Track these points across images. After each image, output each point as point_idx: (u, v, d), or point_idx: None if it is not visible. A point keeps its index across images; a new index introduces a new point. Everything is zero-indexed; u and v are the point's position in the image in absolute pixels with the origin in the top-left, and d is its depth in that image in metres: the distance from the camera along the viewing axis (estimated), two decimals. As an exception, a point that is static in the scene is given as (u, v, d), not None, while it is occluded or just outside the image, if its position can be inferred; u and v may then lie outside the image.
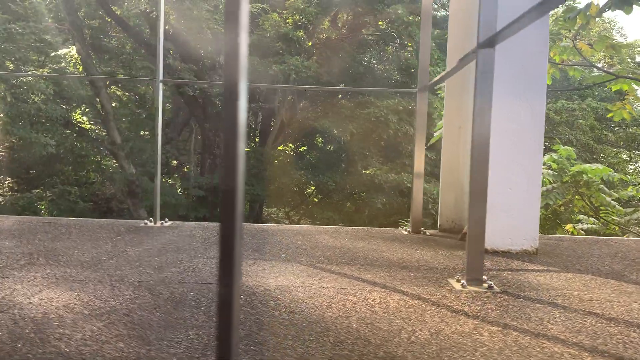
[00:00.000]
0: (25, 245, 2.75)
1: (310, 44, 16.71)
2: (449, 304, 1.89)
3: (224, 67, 0.94)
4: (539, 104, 2.88)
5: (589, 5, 5.22)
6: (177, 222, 3.81)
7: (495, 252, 2.90)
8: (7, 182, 19.41)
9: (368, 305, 1.83)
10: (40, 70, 12.94)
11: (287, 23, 16.55)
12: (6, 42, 11.31)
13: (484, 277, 2.18)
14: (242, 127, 0.93)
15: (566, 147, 8.30)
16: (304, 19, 17.13)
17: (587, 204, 7.80)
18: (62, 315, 1.63)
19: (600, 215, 8.53)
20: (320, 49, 17.53)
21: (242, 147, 0.94)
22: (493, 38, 2.04)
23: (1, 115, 12.35)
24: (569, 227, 8.91)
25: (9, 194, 18.88)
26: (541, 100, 2.89)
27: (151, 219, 3.71)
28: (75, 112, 15.96)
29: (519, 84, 2.85)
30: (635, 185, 13.12)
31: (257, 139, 22.90)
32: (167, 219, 3.78)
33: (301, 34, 16.14)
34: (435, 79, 3.26)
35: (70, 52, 14.30)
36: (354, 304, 1.85)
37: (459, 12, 3.62)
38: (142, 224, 3.63)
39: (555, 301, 1.96)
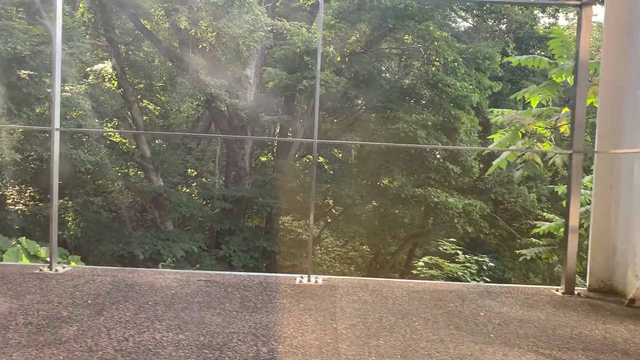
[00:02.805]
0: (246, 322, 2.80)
1: (338, 59, 16.79)
2: None
3: None
4: None
5: None
6: (325, 277, 3.86)
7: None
8: (28, 191, 19.37)
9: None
10: (79, 86, 12.93)
11: (316, 38, 16.62)
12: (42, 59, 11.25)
13: None
14: None
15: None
16: (332, 34, 17.23)
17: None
18: None
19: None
20: (347, 64, 17.62)
21: None
22: None
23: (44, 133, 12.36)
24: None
25: (31, 203, 18.84)
26: None
27: (303, 275, 3.77)
28: (108, 126, 15.99)
29: None
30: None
31: (274, 150, 22.93)
32: (318, 276, 3.83)
33: (331, 49, 16.20)
34: (621, 151, 3.36)
35: (105, 67, 14.31)
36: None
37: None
38: (298, 281, 3.68)
39: None
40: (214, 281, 3.62)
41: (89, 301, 3.02)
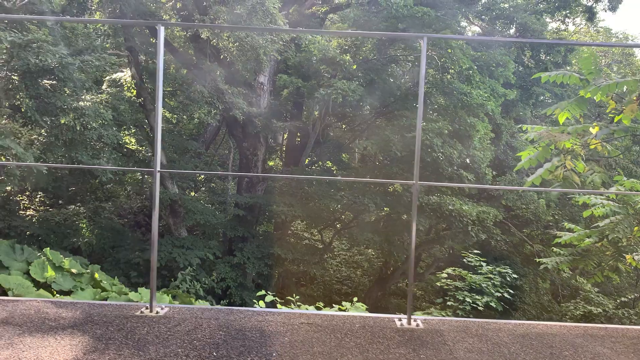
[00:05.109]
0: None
1: (354, 67, 16.80)
2: None
3: None
4: None
5: None
6: (422, 317, 3.86)
7: None
8: (38, 196, 19.26)
9: None
10: (100, 96, 12.86)
11: (332, 46, 16.65)
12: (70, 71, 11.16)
13: None
14: None
15: (632, 179, 8.45)
16: (349, 42, 17.25)
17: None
18: None
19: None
20: (363, 72, 17.64)
21: None
22: None
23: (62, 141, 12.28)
24: (628, 258, 9.15)
25: (42, 208, 18.73)
26: None
27: (402, 317, 3.76)
28: (124, 134, 15.93)
29: None
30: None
31: (283, 155, 22.96)
32: (416, 317, 3.83)
33: (347, 57, 16.21)
34: None
35: (125, 76, 14.24)
36: None
37: None
38: (399, 325, 3.67)
39: None
40: (316, 324, 3.62)
41: (215, 353, 3.01)
